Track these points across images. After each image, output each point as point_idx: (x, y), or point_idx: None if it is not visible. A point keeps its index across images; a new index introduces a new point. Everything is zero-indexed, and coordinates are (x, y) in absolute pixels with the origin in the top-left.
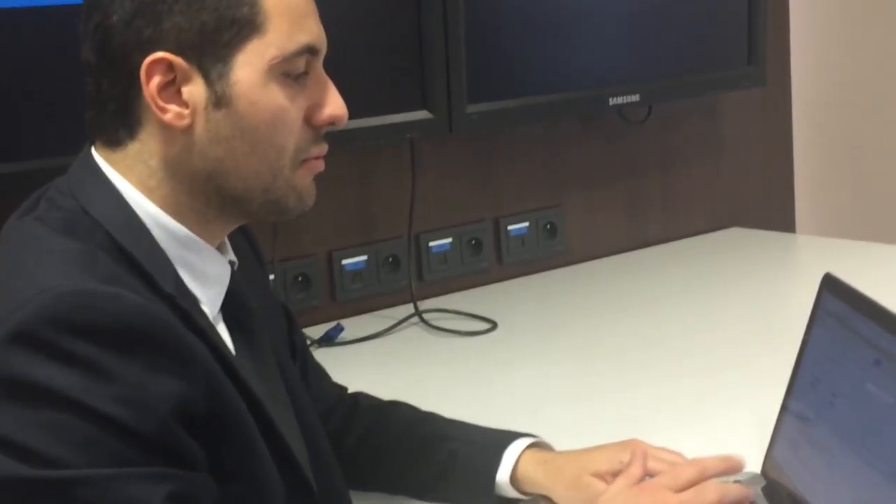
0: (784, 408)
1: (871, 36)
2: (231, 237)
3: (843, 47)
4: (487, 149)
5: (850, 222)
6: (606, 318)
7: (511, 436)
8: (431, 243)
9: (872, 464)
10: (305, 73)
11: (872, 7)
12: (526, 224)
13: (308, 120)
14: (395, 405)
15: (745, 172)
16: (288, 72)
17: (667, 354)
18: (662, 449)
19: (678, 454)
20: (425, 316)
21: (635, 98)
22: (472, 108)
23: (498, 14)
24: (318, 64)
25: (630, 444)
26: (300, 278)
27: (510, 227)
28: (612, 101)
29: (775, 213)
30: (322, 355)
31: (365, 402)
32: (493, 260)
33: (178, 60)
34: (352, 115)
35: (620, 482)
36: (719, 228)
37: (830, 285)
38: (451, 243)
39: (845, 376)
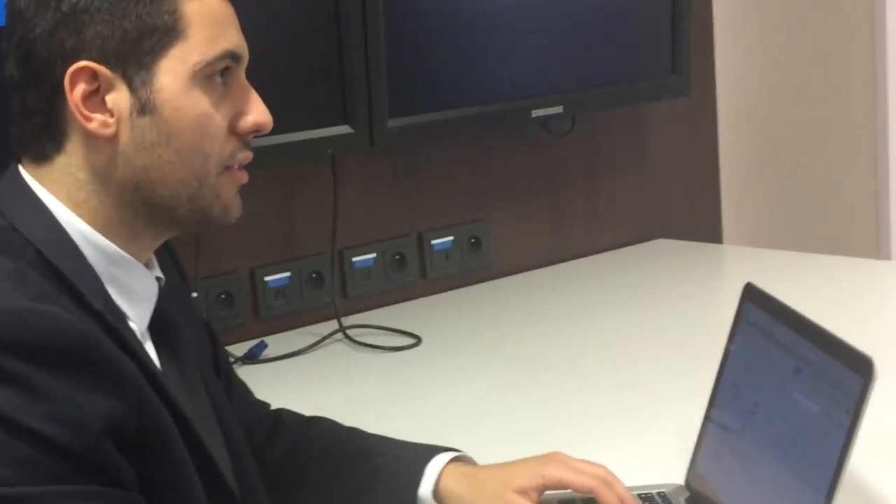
0: (707, 418)
1: (795, 46)
2: (156, 254)
3: (767, 57)
4: (410, 163)
5: (777, 232)
6: (531, 332)
7: (434, 450)
8: (355, 259)
9: (795, 470)
10: (228, 69)
11: (796, 17)
12: (450, 238)
13: (233, 128)
14: (318, 420)
15: (670, 183)
16: (211, 76)
17: (592, 367)
18: (584, 461)
19: (601, 466)
20: (349, 332)
21: (558, 110)
22: (392, 122)
23: (418, 27)
24: (241, 73)
25: (552, 458)
26: (223, 296)
27: (434, 242)
28: (535, 114)
29: (701, 224)
30: (246, 373)
31: (288, 418)
32: (417, 275)
33: (101, 69)
34: (272, 131)
35: None
36: (645, 240)
37: (751, 295)
38: (374, 258)
39: (767, 385)
